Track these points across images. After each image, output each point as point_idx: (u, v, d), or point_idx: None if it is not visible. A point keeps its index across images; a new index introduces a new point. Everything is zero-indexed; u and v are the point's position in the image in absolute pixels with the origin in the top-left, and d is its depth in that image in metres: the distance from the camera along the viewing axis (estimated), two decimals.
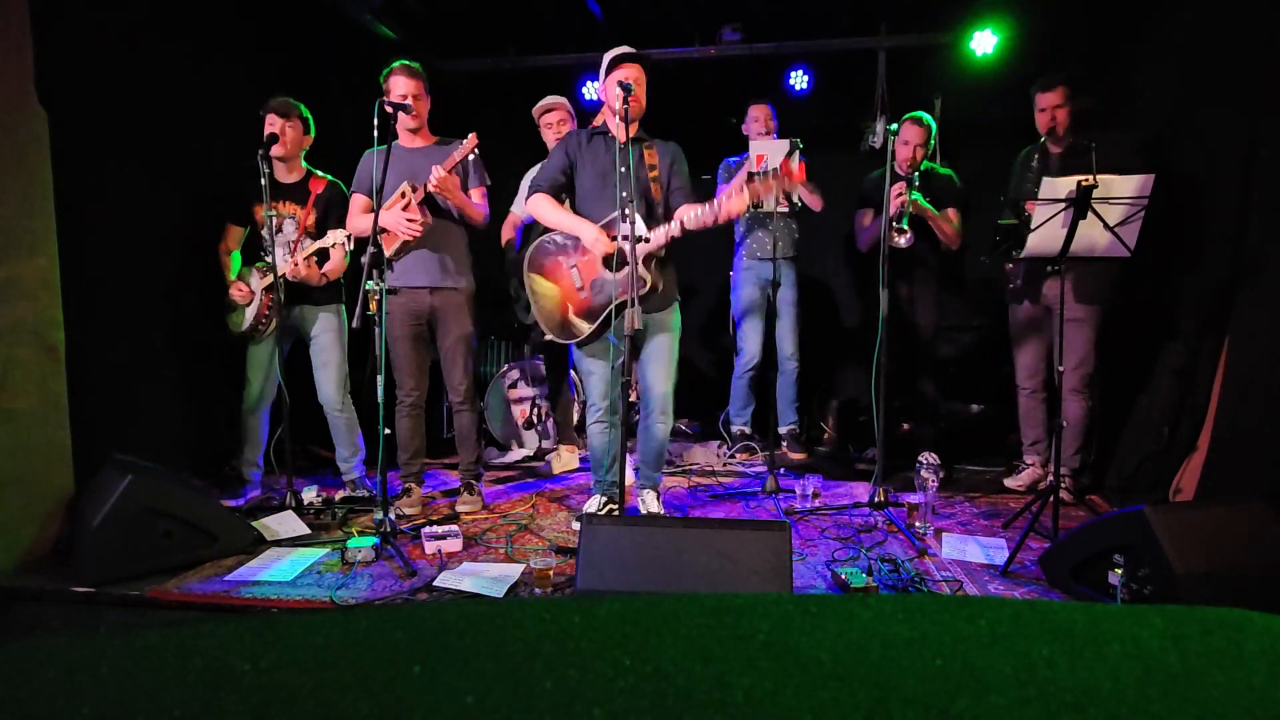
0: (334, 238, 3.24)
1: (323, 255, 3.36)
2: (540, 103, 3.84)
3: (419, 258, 3.20)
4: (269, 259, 3.28)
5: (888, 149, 3.26)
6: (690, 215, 2.79)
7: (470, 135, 3.03)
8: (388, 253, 3.17)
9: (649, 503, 3.12)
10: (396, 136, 3.20)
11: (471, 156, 3.14)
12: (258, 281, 3.39)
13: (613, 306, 2.83)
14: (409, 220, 3.07)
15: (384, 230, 3.12)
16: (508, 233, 3.93)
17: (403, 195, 3.12)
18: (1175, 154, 3.18)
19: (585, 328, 2.94)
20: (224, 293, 3.42)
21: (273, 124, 3.27)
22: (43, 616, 2.46)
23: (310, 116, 3.40)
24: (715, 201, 2.76)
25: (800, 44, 4.48)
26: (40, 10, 2.75)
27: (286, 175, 3.38)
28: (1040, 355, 3.53)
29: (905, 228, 3.44)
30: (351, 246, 3.33)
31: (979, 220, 3.85)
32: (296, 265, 3.25)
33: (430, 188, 3.03)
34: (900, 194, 3.50)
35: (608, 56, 2.88)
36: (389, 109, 2.92)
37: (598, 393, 3.06)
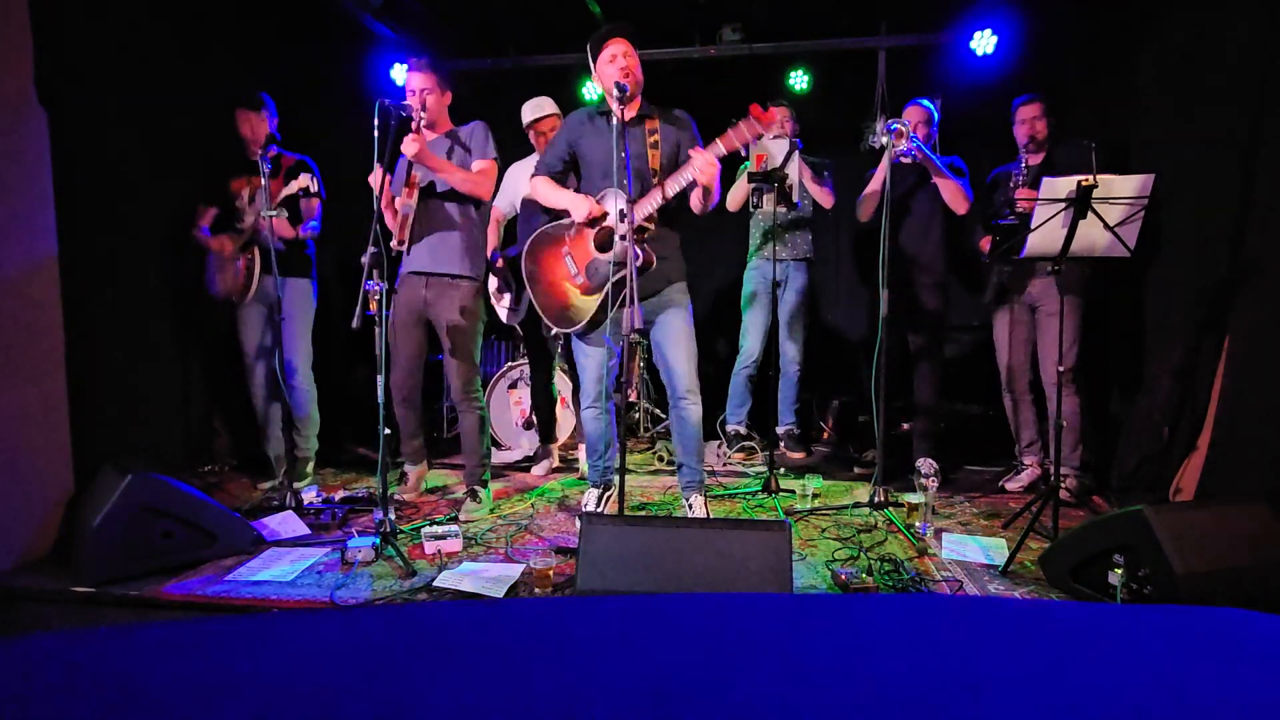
0: (301, 181, 3.29)
1: (295, 217, 3.45)
2: (530, 113, 3.77)
3: (418, 245, 3.21)
4: (241, 226, 3.40)
5: (887, 149, 3.27)
6: (670, 181, 2.75)
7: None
8: (394, 242, 3.16)
9: (696, 509, 2.97)
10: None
11: (481, 129, 3.23)
12: (232, 246, 3.43)
13: (609, 286, 2.82)
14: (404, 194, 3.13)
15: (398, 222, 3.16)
16: (492, 233, 3.82)
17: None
18: (1175, 154, 3.18)
19: (583, 313, 2.92)
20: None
21: (250, 120, 3.37)
22: (43, 616, 2.46)
23: (269, 100, 3.46)
24: (689, 162, 2.71)
25: (800, 44, 4.48)
26: (40, 10, 2.76)
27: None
28: (1026, 355, 3.57)
29: (904, 129, 3.34)
30: (318, 189, 3.35)
31: (978, 208, 3.84)
32: (273, 218, 3.24)
33: (407, 155, 2.99)
34: (914, 122, 3.57)
35: (591, 42, 2.86)
36: (389, 106, 2.90)
37: (591, 379, 3.03)
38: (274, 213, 3.20)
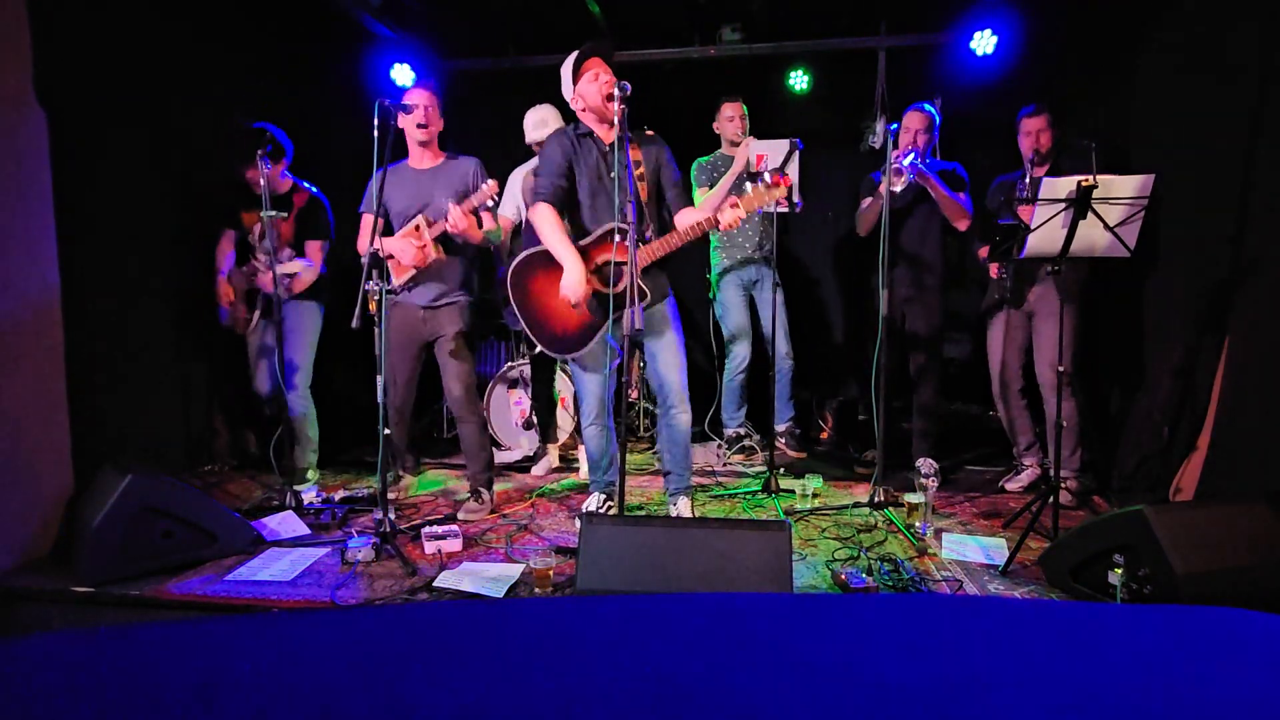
0: (295, 266, 3.41)
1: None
2: (533, 132, 3.76)
3: (420, 287, 3.22)
4: (255, 261, 3.48)
5: (887, 149, 3.27)
6: (688, 225, 2.78)
7: (491, 182, 3.03)
8: (395, 281, 3.18)
9: (683, 510, 3.02)
10: (405, 151, 3.24)
11: (477, 168, 3.20)
12: (241, 280, 3.54)
13: (610, 320, 2.80)
14: (419, 249, 3.10)
15: (390, 256, 3.13)
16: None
17: (416, 228, 3.12)
18: (1175, 154, 3.18)
19: (583, 342, 2.92)
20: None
21: (255, 171, 3.32)
22: (43, 616, 2.46)
23: (279, 140, 3.40)
24: (712, 216, 2.74)
25: (800, 44, 4.48)
26: (40, 10, 2.75)
27: (278, 186, 3.45)
28: (1019, 362, 3.56)
29: (904, 167, 3.37)
30: (313, 277, 3.45)
31: (978, 221, 3.84)
32: (274, 218, 3.31)
33: (450, 230, 3.01)
34: (913, 129, 3.56)
35: (569, 63, 2.85)
36: (389, 107, 2.89)
37: (593, 395, 3.04)
38: (273, 214, 3.22)
